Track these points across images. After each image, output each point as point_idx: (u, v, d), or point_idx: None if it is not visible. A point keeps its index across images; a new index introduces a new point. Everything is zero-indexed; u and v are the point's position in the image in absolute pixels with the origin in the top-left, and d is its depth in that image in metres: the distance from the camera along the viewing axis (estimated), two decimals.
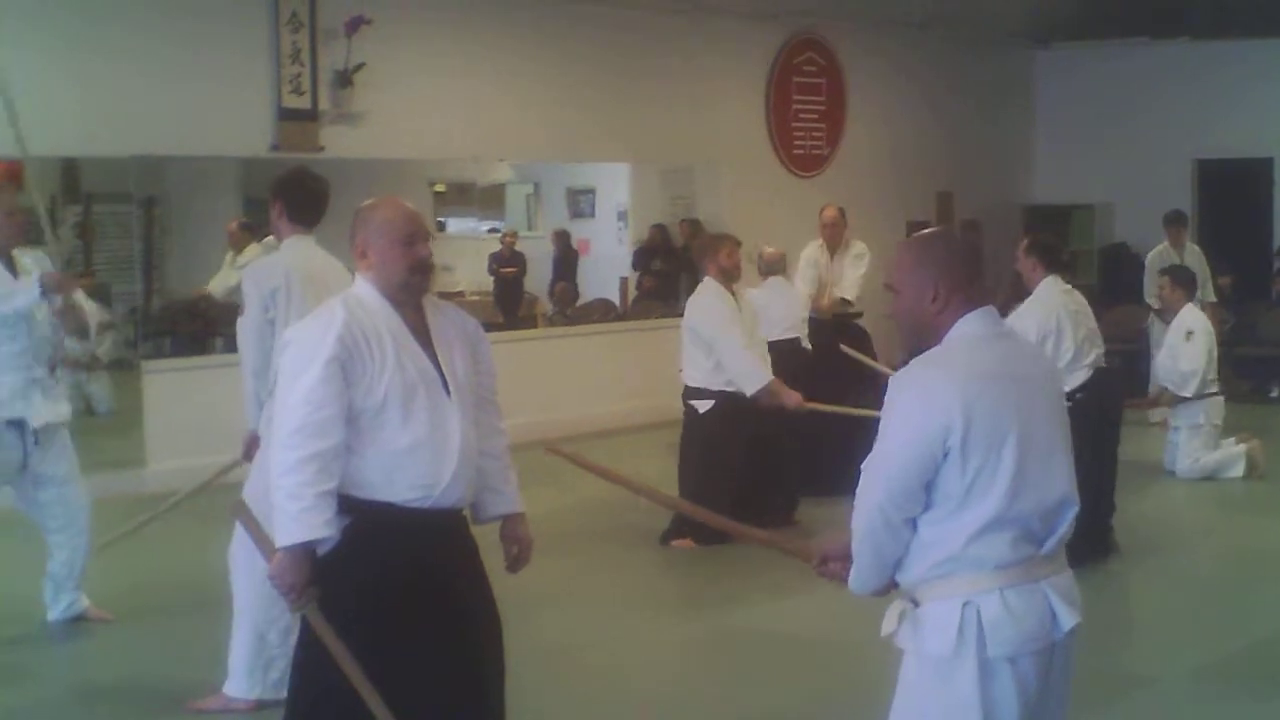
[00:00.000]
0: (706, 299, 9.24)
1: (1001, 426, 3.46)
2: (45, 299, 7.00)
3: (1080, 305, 8.86)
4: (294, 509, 4.09)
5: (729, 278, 9.26)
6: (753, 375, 9.03)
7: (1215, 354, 11.42)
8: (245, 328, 6.01)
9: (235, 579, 6.11)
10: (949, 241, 3.74)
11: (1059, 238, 9.45)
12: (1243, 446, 11.27)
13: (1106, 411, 8.78)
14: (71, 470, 7.40)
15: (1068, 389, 8.20)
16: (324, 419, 4.10)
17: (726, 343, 9.06)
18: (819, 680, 6.70)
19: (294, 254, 6.02)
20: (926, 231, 3.90)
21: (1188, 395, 11.22)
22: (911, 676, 3.60)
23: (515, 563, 4.62)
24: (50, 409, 7.18)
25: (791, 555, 4.12)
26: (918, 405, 3.50)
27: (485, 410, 4.50)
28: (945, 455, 3.44)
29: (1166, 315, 11.86)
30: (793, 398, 9.07)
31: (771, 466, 9.29)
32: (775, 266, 10.81)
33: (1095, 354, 8.78)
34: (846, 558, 3.68)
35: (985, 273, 3.71)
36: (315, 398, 4.10)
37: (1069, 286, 8.92)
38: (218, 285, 13.11)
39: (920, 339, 3.65)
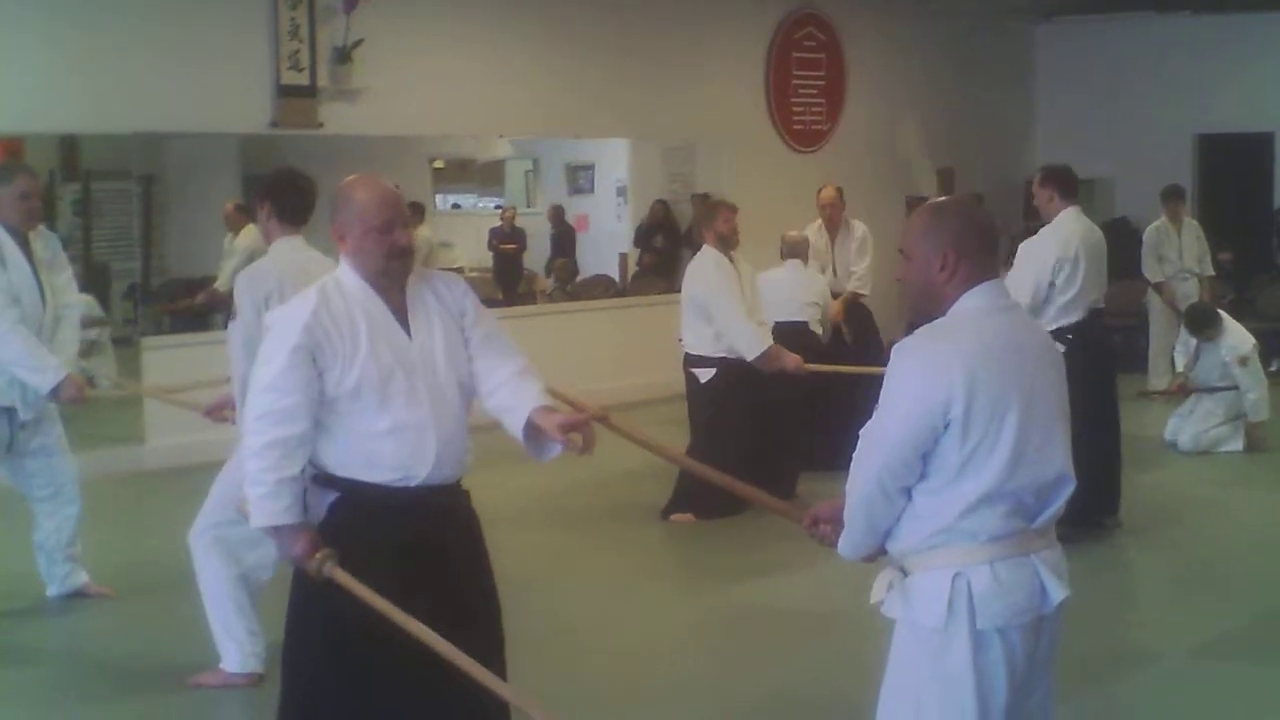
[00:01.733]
0: (705, 266, 9.22)
1: (1003, 401, 3.46)
2: (52, 396, 7.02)
3: (1097, 242, 8.67)
4: (255, 494, 4.13)
5: (727, 244, 9.24)
6: (752, 341, 9.02)
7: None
8: (236, 334, 5.97)
9: (199, 566, 6.16)
10: (965, 211, 3.70)
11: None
12: (1242, 420, 11.27)
13: (1102, 354, 8.68)
14: (57, 441, 7.43)
15: (1062, 324, 8.18)
16: (287, 407, 4.10)
17: (725, 309, 9.05)
18: (820, 656, 6.70)
19: (285, 256, 6.00)
20: (944, 199, 3.86)
21: (1262, 418, 11.27)
22: (904, 647, 3.61)
23: (586, 446, 4.30)
24: (39, 404, 7.21)
25: (784, 516, 4.12)
26: (920, 376, 3.48)
27: (506, 360, 4.37)
28: (945, 427, 3.44)
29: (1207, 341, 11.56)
30: (792, 360, 9.07)
31: (772, 444, 9.25)
32: (796, 250, 10.71)
33: (1096, 295, 8.61)
34: (838, 521, 3.68)
35: (998, 245, 3.69)
36: (280, 385, 4.11)
37: (1089, 221, 8.76)
38: (225, 280, 13.11)
39: (926, 306, 3.64)
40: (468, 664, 4.04)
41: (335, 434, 4.18)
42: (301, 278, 5.68)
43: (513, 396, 4.34)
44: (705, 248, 9.32)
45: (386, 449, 4.18)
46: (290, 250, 6.02)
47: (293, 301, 4.31)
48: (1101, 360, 8.63)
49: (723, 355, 9.12)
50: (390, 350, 4.20)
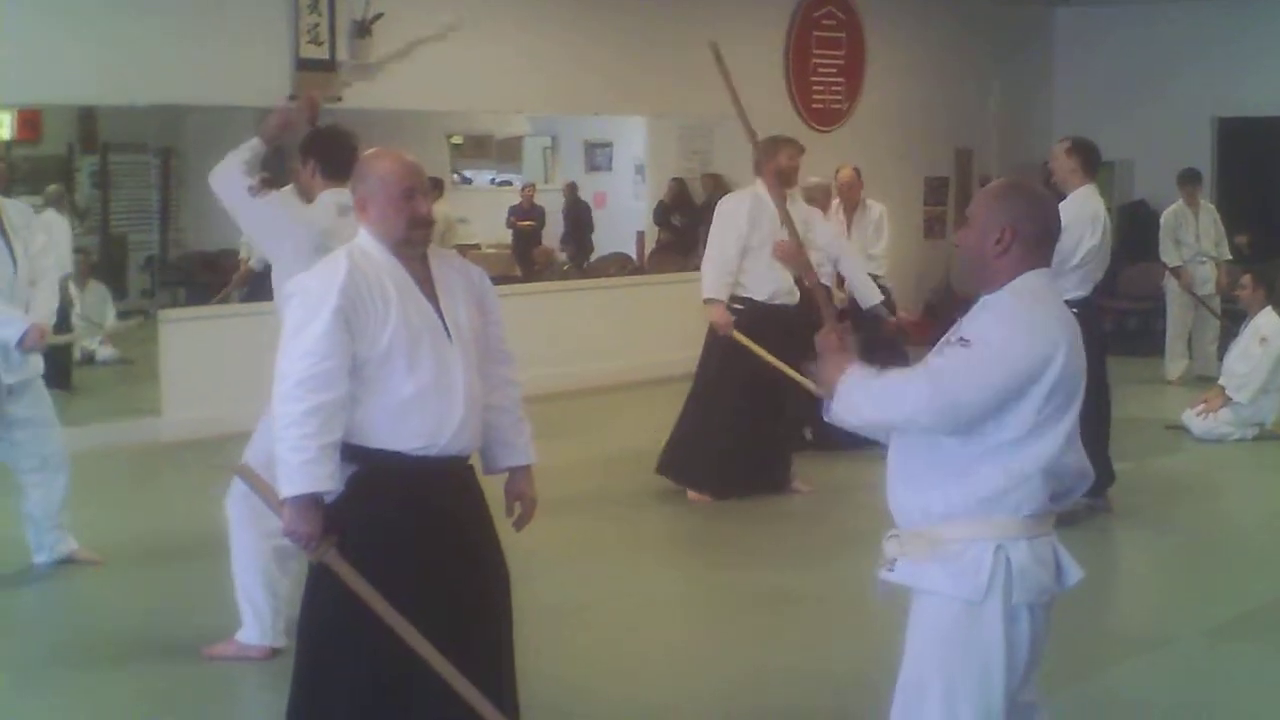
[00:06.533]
0: (730, 200, 9.13)
1: (1077, 379, 3.54)
2: (18, 349, 7.12)
3: (1107, 224, 8.51)
4: (297, 460, 4.07)
5: (785, 181, 8.84)
6: (710, 284, 8.89)
7: None
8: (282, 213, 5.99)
9: (234, 533, 6.14)
10: (1035, 195, 3.73)
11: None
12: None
13: (1095, 333, 8.53)
14: (46, 413, 7.48)
15: (1067, 299, 8.08)
16: (329, 370, 4.08)
17: (713, 242, 8.95)
18: (834, 639, 6.65)
19: (333, 207, 6.01)
20: (1020, 177, 3.92)
21: (1242, 400, 11.16)
22: (932, 619, 3.61)
23: (519, 521, 4.59)
24: (22, 367, 7.27)
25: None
26: (1027, 331, 3.51)
27: (497, 361, 4.48)
28: (1033, 385, 3.46)
29: (1250, 311, 11.54)
30: (723, 324, 8.80)
31: (776, 408, 9.03)
32: (816, 198, 10.36)
33: (1099, 274, 8.50)
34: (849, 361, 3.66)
35: (1056, 240, 3.71)
36: (320, 349, 4.08)
37: (1101, 200, 8.58)
38: (258, 259, 13.13)
39: (975, 276, 3.66)
40: (454, 676, 4.10)
41: (360, 400, 4.16)
42: (336, 233, 5.70)
43: (510, 432, 4.52)
44: (755, 185, 9.02)
45: (412, 414, 4.18)
46: (336, 200, 6.00)
47: (318, 269, 4.28)
48: (1095, 339, 8.47)
49: (749, 296, 8.90)
50: (418, 315, 4.22)
